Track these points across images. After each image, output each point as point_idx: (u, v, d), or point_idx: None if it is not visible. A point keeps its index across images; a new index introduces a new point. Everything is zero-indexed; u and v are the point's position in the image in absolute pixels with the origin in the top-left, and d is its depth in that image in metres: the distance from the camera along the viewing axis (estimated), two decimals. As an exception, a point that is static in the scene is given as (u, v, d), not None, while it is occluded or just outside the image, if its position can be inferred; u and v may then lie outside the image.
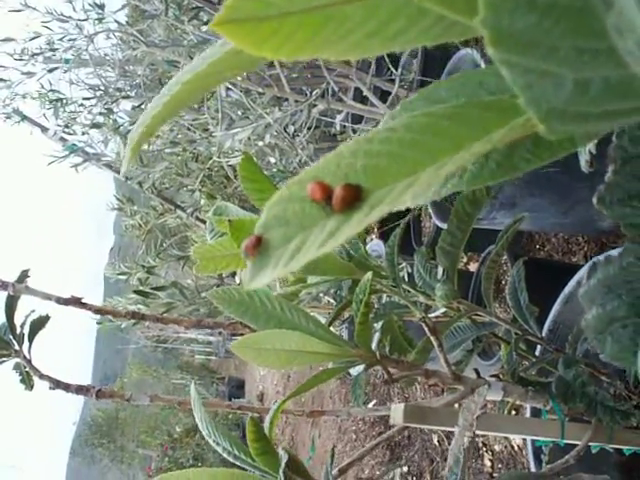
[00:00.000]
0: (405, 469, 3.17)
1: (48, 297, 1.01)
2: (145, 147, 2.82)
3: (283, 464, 0.72)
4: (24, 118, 3.02)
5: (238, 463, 0.83)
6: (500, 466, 2.43)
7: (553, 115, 0.21)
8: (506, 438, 2.38)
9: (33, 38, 2.85)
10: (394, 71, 2.45)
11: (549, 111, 0.21)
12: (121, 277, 2.94)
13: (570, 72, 0.21)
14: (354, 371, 1.06)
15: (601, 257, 0.37)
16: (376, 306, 1.21)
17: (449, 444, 2.81)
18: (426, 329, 0.99)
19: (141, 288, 2.61)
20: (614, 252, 0.36)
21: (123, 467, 15.07)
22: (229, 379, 12.04)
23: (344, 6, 0.25)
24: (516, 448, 2.34)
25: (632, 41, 0.19)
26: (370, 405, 3.43)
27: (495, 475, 2.43)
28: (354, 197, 0.27)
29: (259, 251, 0.26)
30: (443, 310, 1.23)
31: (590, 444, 1.03)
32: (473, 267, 2.88)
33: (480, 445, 2.53)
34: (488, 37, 0.20)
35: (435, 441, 2.96)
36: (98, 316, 2.59)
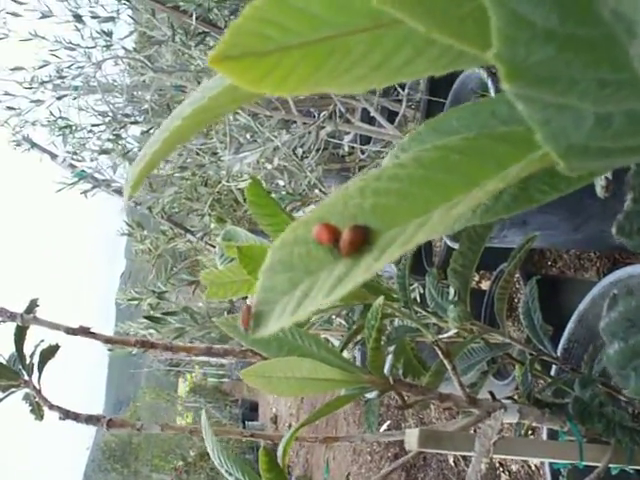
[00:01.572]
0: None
1: (56, 327, 1.00)
2: (155, 172, 2.83)
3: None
4: (33, 145, 3.04)
5: (251, 493, 0.82)
6: (518, 486, 2.40)
7: (573, 152, 0.20)
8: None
9: (42, 66, 2.87)
10: (401, 91, 2.45)
11: (569, 147, 0.20)
12: (132, 302, 2.94)
13: (591, 106, 0.20)
14: (369, 395, 1.05)
15: (622, 288, 0.36)
16: (388, 329, 1.20)
17: (465, 465, 2.78)
18: (439, 352, 0.97)
19: (152, 313, 2.61)
20: (634, 280, 0.35)
21: (137, 492, 15.01)
22: (242, 401, 11.99)
23: (347, 38, 0.24)
24: (533, 468, 2.31)
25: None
26: (384, 426, 3.41)
27: (513, 496, 2.40)
28: (363, 240, 0.25)
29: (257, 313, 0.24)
30: (455, 330, 1.21)
31: (610, 465, 1.01)
32: (485, 285, 2.86)
33: (497, 465, 2.51)
34: (503, 72, 0.19)
35: (451, 461, 2.93)
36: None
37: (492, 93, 1.60)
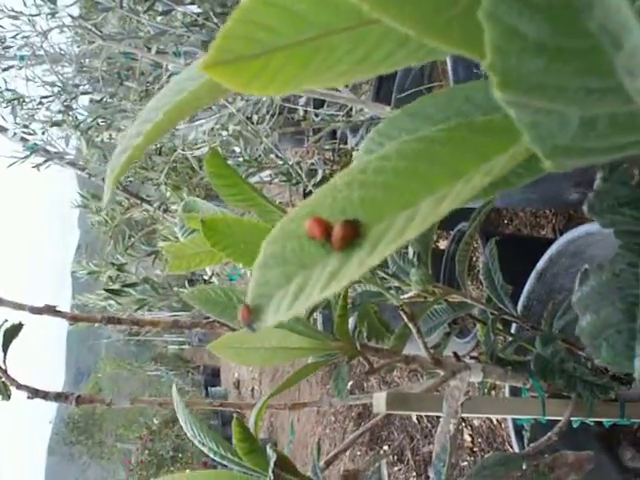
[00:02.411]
0: (385, 448, 3.19)
1: (21, 307, 0.99)
2: (108, 141, 2.79)
3: (272, 463, 0.72)
4: (-20, 119, 2.96)
5: (225, 463, 0.83)
6: (480, 440, 2.46)
7: (558, 151, 0.21)
8: (485, 413, 2.40)
9: (-16, 37, 2.79)
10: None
11: (554, 148, 0.21)
12: (91, 275, 2.91)
13: (577, 110, 0.21)
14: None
15: (594, 264, 0.37)
16: (351, 294, 1.21)
17: (428, 422, 2.84)
18: (403, 316, 0.99)
19: (112, 286, 2.59)
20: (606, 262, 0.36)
21: (103, 462, 15.02)
22: (204, 368, 12.01)
23: (332, 37, 0.24)
24: (495, 422, 2.37)
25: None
26: (347, 387, 3.45)
27: (475, 450, 2.46)
28: (354, 234, 0.26)
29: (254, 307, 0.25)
30: (416, 291, 1.23)
31: (571, 419, 1.04)
32: (443, 244, 2.89)
33: (460, 421, 2.56)
34: (496, 81, 0.20)
35: (414, 419, 2.99)
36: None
37: (450, 77, 1.61)
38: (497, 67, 0.20)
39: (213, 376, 11.19)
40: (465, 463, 2.51)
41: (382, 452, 3.05)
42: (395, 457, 3.05)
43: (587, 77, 0.20)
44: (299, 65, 0.25)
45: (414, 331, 1.00)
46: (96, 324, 2.88)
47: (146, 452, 9.12)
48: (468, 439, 2.52)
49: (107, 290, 2.50)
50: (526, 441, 1.15)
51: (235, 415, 0.80)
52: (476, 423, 2.48)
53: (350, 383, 3.58)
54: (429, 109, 0.32)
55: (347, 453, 3.65)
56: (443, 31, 0.22)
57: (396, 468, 3.02)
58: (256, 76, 0.24)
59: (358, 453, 3.54)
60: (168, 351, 14.00)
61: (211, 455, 0.84)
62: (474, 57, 0.23)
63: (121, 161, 0.30)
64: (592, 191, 0.35)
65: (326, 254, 0.26)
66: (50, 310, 0.99)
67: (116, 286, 2.53)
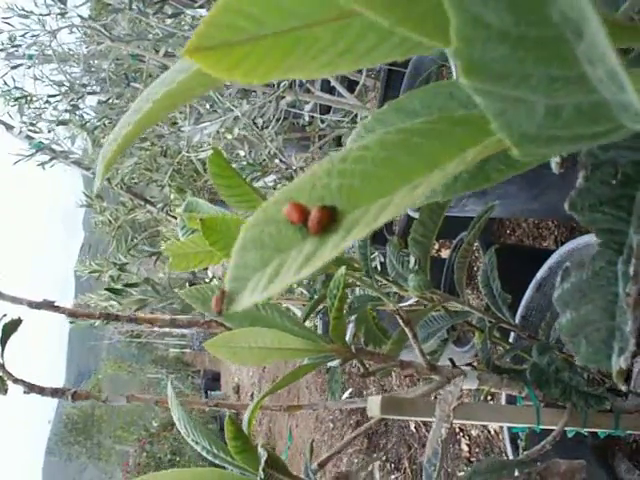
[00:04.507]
0: (383, 456, 3.19)
1: (19, 301, 0.99)
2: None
3: (263, 462, 0.72)
4: (-13, 116, 2.98)
5: (217, 462, 0.83)
6: (477, 450, 2.45)
7: (525, 139, 0.22)
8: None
9: (-6, 35, 2.81)
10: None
11: (521, 135, 0.21)
12: (93, 275, 2.92)
13: (542, 99, 0.21)
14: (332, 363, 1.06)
15: (574, 261, 0.38)
16: (350, 298, 1.21)
17: (427, 430, 2.83)
18: (400, 321, 0.99)
19: (113, 285, 2.59)
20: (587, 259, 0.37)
21: (100, 464, 15.02)
22: (204, 372, 12.01)
23: (314, 28, 0.25)
24: (493, 433, 2.37)
25: (602, 70, 0.19)
26: (346, 394, 3.45)
27: (473, 460, 2.46)
28: (330, 219, 0.26)
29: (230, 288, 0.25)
30: (416, 298, 1.23)
31: (566, 429, 1.04)
32: (445, 253, 2.90)
33: (457, 430, 2.55)
34: (461, 67, 0.21)
35: (412, 427, 2.98)
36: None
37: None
38: (462, 54, 0.20)
39: (213, 380, 11.19)
40: (462, 473, 2.50)
41: (375, 456, 3.05)
42: (392, 465, 3.04)
43: (551, 65, 0.20)
44: (282, 54, 0.26)
45: (410, 335, 1.00)
46: (97, 325, 2.88)
47: (144, 454, 9.11)
48: (465, 449, 2.51)
49: (108, 289, 2.51)
50: (521, 450, 1.15)
51: (228, 413, 0.81)
52: (474, 433, 2.48)
53: (350, 390, 3.58)
54: (414, 104, 0.32)
55: (344, 461, 3.65)
56: (417, 22, 0.22)
57: (393, 476, 3.02)
58: (239, 63, 0.25)
59: (355, 461, 3.54)
60: (169, 354, 14.00)
61: (204, 454, 0.84)
62: (446, 47, 0.23)
63: (112, 148, 0.30)
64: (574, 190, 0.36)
65: (302, 238, 0.27)
66: (49, 305, 0.99)
67: (117, 286, 2.53)
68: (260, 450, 0.74)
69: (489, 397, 1.29)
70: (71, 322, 2.68)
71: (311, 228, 0.27)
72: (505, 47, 0.20)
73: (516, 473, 0.85)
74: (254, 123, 2.32)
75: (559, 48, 0.20)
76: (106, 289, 2.57)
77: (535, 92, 0.21)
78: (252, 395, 7.09)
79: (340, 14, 0.25)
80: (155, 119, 0.31)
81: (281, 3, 0.24)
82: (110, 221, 3.31)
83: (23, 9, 2.77)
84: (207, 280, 2.96)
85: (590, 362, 0.37)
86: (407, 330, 0.99)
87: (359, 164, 0.27)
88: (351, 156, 0.27)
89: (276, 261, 0.26)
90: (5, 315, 1.10)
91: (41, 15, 2.70)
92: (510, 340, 1.29)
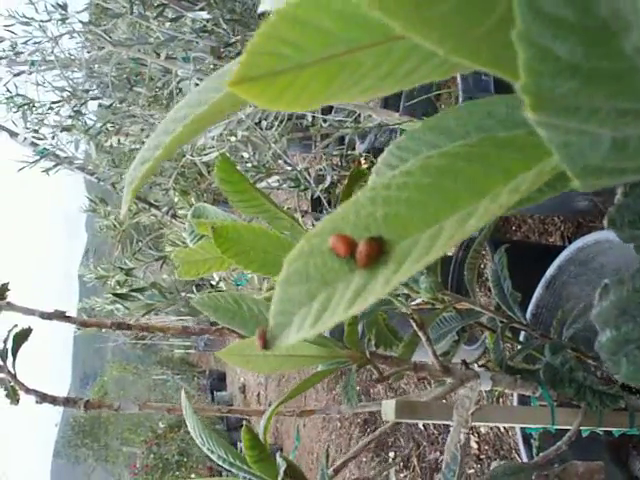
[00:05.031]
0: (391, 454, 3.18)
1: (31, 312, 0.99)
2: (117, 147, 2.80)
3: (282, 472, 0.72)
4: (-9, 123, 2.97)
5: (234, 470, 0.82)
6: (487, 448, 2.45)
7: (588, 171, 0.21)
8: (492, 420, 2.39)
9: (-4, 42, 2.80)
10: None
11: (584, 167, 0.21)
12: (99, 280, 2.92)
13: (609, 131, 0.21)
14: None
15: (614, 278, 0.37)
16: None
17: (434, 428, 2.83)
18: (413, 324, 0.99)
19: (119, 290, 2.59)
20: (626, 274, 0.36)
21: (108, 466, 15.01)
22: (210, 372, 11.98)
23: (357, 53, 0.24)
24: (502, 430, 2.36)
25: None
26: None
27: (482, 457, 2.45)
28: (378, 252, 0.26)
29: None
30: (424, 298, 1.23)
31: (581, 428, 1.04)
32: (450, 251, 2.89)
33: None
34: (529, 103, 0.20)
35: (421, 425, 2.98)
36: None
37: (459, 85, 1.61)
38: (531, 89, 0.20)
39: (219, 380, 11.16)
40: (472, 470, 2.50)
41: (390, 460, 3.05)
42: (402, 464, 3.04)
43: (621, 99, 0.20)
44: (325, 81, 0.25)
45: (424, 339, 0.99)
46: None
47: (151, 456, 9.10)
48: (475, 446, 2.51)
49: (115, 294, 2.51)
50: (534, 450, 1.15)
51: (245, 423, 0.80)
52: (483, 430, 2.48)
53: (357, 389, 3.57)
54: (449, 122, 0.32)
55: (353, 460, 3.64)
56: (472, 50, 0.22)
57: (402, 475, 3.01)
58: (283, 92, 0.24)
59: (364, 459, 3.53)
60: (174, 355, 13.98)
61: (220, 462, 0.84)
62: (504, 76, 0.23)
63: (140, 173, 0.30)
64: (612, 205, 0.35)
65: (350, 271, 0.26)
66: (60, 315, 0.99)
67: (124, 290, 2.53)
68: (279, 460, 0.74)
69: (500, 397, 1.28)
70: (78, 329, 2.68)
71: (359, 261, 0.26)
72: (575, 81, 0.20)
73: (533, 476, 0.85)
74: (258, 125, 2.31)
75: (631, 81, 0.20)
76: (113, 294, 2.57)
77: (603, 125, 0.21)
78: (258, 395, 7.08)
79: (386, 38, 0.24)
80: (185, 141, 0.31)
81: (325, 30, 0.23)
82: (115, 225, 3.31)
83: (24, 16, 2.76)
84: (213, 282, 2.96)
85: (631, 380, 0.37)
86: (420, 333, 0.99)
87: (403, 191, 0.26)
88: (394, 183, 0.26)
89: (323, 295, 0.26)
90: (16, 326, 1.10)
91: (42, 21, 2.70)
92: (521, 339, 1.29)
